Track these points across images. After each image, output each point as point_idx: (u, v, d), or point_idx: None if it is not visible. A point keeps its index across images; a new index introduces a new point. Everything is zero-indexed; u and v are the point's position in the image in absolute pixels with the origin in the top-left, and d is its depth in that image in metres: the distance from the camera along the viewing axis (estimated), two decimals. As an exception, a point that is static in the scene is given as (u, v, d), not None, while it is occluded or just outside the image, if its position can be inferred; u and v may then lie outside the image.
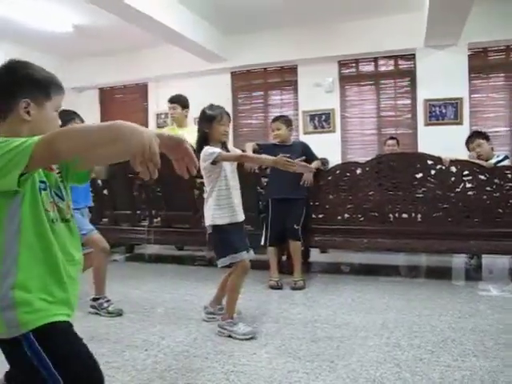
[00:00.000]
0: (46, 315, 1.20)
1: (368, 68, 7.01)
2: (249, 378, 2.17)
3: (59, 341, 1.22)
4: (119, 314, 3.19)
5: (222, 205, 2.76)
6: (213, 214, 2.77)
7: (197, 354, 2.47)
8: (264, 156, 3.02)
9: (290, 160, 2.77)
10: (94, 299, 3.25)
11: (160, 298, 3.60)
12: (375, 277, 4.19)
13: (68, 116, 3.30)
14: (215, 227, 2.77)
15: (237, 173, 2.91)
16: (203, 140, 2.84)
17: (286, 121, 4.07)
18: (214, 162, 2.72)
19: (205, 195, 2.86)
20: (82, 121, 3.39)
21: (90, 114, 6.82)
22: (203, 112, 2.86)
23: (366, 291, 3.66)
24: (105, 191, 4.92)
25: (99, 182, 4.91)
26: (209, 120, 2.81)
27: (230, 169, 2.84)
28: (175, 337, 2.73)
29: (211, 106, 2.86)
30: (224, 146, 2.88)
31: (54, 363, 1.18)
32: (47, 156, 1.12)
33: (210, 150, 2.74)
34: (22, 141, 1.11)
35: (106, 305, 3.21)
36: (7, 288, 1.18)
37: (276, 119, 4.12)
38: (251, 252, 2.87)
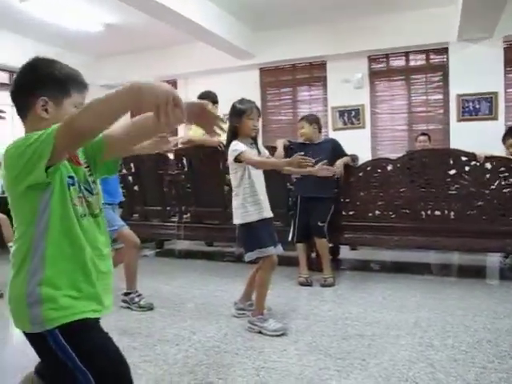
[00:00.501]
0: (71, 313, 1.22)
1: (399, 63, 6.89)
2: (279, 374, 2.17)
3: (84, 336, 1.24)
4: (150, 308, 3.23)
5: (248, 202, 2.77)
6: (241, 213, 2.79)
7: (227, 350, 2.48)
8: (279, 160, 2.97)
9: (305, 158, 2.72)
10: (126, 294, 3.30)
11: (190, 294, 3.63)
12: (406, 275, 4.12)
13: None
14: (243, 224, 2.79)
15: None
16: (232, 134, 2.84)
17: (310, 119, 4.03)
18: (236, 160, 2.73)
19: (233, 192, 2.87)
20: None
21: (121, 111, 6.91)
22: (233, 106, 2.86)
23: (397, 289, 3.61)
24: (135, 187, 4.99)
25: (130, 178, 4.98)
26: (238, 114, 2.81)
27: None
28: (206, 332, 2.75)
29: (241, 101, 2.86)
30: (254, 141, 2.88)
31: (79, 358, 1.20)
32: (71, 139, 1.12)
33: (235, 147, 2.75)
34: (42, 132, 1.12)
35: (137, 299, 3.26)
36: (34, 284, 1.20)
37: (301, 119, 4.14)
38: (279, 247, 2.87)
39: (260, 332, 2.70)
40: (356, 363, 2.27)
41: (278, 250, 2.84)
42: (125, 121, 1.26)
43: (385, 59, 6.93)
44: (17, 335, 2.68)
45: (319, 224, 3.88)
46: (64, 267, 1.23)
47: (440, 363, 2.23)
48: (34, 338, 1.24)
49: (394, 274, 4.25)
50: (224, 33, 6.29)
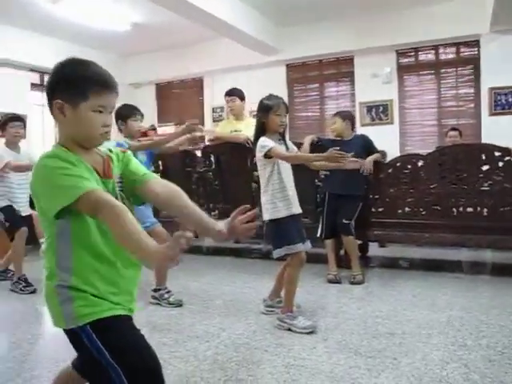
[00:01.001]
0: (101, 309, 1.25)
1: (428, 56, 6.76)
2: (309, 372, 2.16)
3: (115, 333, 1.27)
4: (179, 304, 3.26)
5: (277, 198, 2.76)
6: (270, 208, 2.78)
7: (257, 347, 2.48)
8: (312, 154, 2.93)
9: (341, 153, 2.69)
10: (155, 290, 3.34)
11: (218, 290, 3.65)
12: (436, 272, 4.05)
13: (129, 111, 3.40)
14: (272, 220, 2.78)
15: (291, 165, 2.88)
16: (260, 130, 2.84)
17: (343, 115, 3.99)
18: (266, 155, 2.73)
19: (261, 189, 2.86)
20: (142, 115, 3.47)
21: (147, 110, 6.97)
22: (261, 102, 2.86)
23: (428, 287, 3.55)
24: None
25: (158, 175, 5.02)
26: (266, 110, 2.81)
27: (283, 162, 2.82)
28: (235, 329, 2.76)
29: (269, 97, 2.85)
30: (282, 137, 2.87)
31: (110, 354, 1.23)
32: (87, 211, 1.18)
33: (263, 143, 2.75)
34: (73, 184, 1.16)
35: (166, 296, 3.29)
36: (65, 282, 1.25)
37: (334, 114, 4.09)
38: (307, 244, 2.85)
39: (289, 329, 2.69)
40: (387, 362, 2.24)
41: (306, 246, 2.82)
42: (175, 191, 1.36)
43: (413, 53, 6.81)
44: (51, 330, 2.75)
45: (344, 221, 3.85)
46: (90, 276, 1.26)
47: (474, 364, 2.18)
48: (70, 335, 1.28)
49: (424, 271, 4.18)
50: (250, 29, 6.28)
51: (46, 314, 2.39)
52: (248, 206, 1.23)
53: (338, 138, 3.94)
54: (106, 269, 1.27)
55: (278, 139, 2.84)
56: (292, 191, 2.82)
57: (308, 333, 2.63)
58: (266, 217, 2.80)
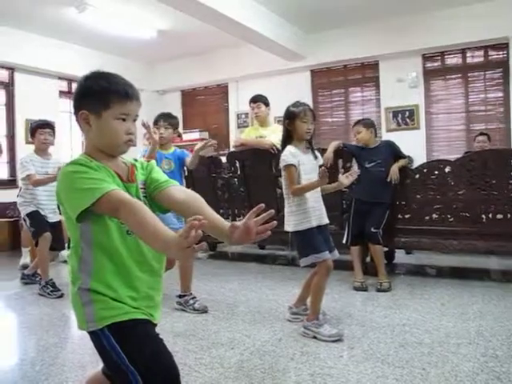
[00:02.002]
0: (120, 313, 1.28)
1: (455, 60, 6.67)
2: (335, 381, 2.13)
3: (133, 337, 1.28)
4: (204, 311, 3.26)
5: (298, 211, 2.75)
6: (290, 221, 2.77)
7: (282, 355, 2.46)
8: (311, 183, 2.80)
9: (325, 170, 2.62)
10: (180, 296, 3.35)
11: (243, 297, 3.64)
12: (465, 280, 3.96)
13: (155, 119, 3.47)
14: (295, 231, 2.77)
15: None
16: (286, 138, 2.84)
17: (367, 124, 3.95)
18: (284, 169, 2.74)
19: (284, 198, 2.85)
20: (169, 123, 3.49)
21: (174, 116, 7.06)
22: (287, 109, 2.84)
23: (456, 295, 3.48)
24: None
25: (183, 181, 5.05)
26: (292, 117, 2.79)
27: (308, 171, 2.78)
28: (260, 336, 2.74)
29: (295, 103, 2.84)
30: (310, 144, 2.85)
31: (128, 358, 1.25)
32: (107, 212, 1.23)
33: (285, 156, 2.75)
34: (93, 187, 1.20)
35: (191, 302, 3.29)
36: (86, 286, 1.29)
37: (356, 123, 4.04)
38: (335, 253, 2.82)
39: (315, 337, 2.66)
40: (415, 372, 2.19)
41: (333, 255, 2.79)
42: (194, 196, 1.37)
43: (440, 57, 6.73)
44: (79, 334, 2.78)
45: (372, 230, 3.80)
46: (109, 279, 1.29)
47: (507, 376, 2.11)
48: (93, 337, 1.31)
49: (452, 279, 4.09)
50: (274, 35, 6.30)
51: (73, 318, 2.42)
52: (263, 205, 1.21)
53: (364, 146, 3.91)
54: (125, 273, 1.30)
55: (305, 147, 2.83)
56: (316, 202, 2.78)
57: (334, 341, 2.60)
58: (289, 228, 2.79)
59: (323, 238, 2.76)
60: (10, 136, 6.79)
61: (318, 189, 2.77)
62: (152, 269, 1.35)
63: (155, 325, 1.38)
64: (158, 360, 1.27)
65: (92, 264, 1.29)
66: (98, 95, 1.30)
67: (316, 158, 2.86)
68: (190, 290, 3.36)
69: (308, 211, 2.73)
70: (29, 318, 3.26)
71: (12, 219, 5.98)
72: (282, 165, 2.77)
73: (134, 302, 1.31)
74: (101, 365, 1.45)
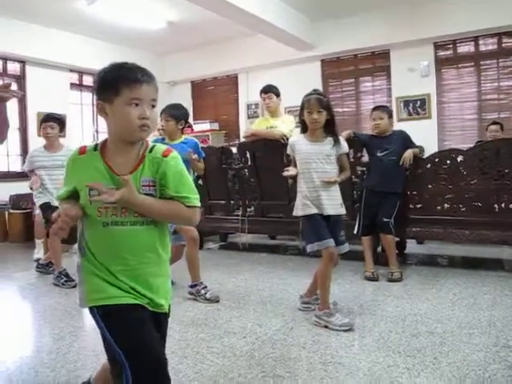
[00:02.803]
0: (106, 296, 1.34)
1: (467, 48, 6.58)
2: (347, 369, 2.14)
3: (117, 323, 1.33)
4: (216, 300, 3.28)
5: (300, 196, 2.82)
6: (296, 205, 2.85)
7: (294, 343, 2.47)
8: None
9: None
10: (192, 286, 3.37)
11: (255, 286, 3.66)
12: (477, 270, 3.95)
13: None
14: (301, 216, 2.83)
15: (330, 163, 2.82)
16: (302, 128, 2.87)
17: (390, 112, 3.91)
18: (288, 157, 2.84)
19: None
20: (172, 115, 3.49)
21: (184, 107, 7.07)
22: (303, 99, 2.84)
23: (468, 285, 3.47)
24: (200, 181, 5.07)
25: (194, 172, 5.07)
26: (301, 107, 2.82)
27: (304, 160, 2.80)
28: (272, 325, 2.76)
29: (308, 93, 2.83)
30: (332, 134, 2.86)
31: (114, 339, 1.30)
32: None
33: (288, 145, 2.90)
34: (62, 187, 1.45)
35: (203, 291, 3.32)
36: (81, 266, 1.40)
37: (377, 108, 3.95)
38: (344, 246, 2.82)
39: (326, 326, 2.67)
40: (427, 361, 2.20)
41: (342, 248, 2.80)
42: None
43: (452, 45, 6.64)
44: (93, 323, 2.81)
45: (384, 220, 3.79)
46: (100, 255, 1.37)
47: (519, 365, 2.12)
48: (90, 314, 1.38)
49: (464, 269, 4.07)
50: (284, 25, 6.26)
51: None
52: None
53: (378, 135, 3.88)
54: (113, 255, 1.36)
55: (323, 136, 2.81)
56: (326, 192, 2.76)
57: (345, 330, 2.61)
58: (293, 212, 2.88)
59: (330, 229, 2.75)
60: (23, 129, 6.85)
61: (317, 181, 2.76)
62: (143, 259, 1.38)
63: (154, 311, 1.40)
64: (143, 348, 1.30)
65: (84, 243, 1.39)
66: (109, 84, 1.34)
67: (341, 148, 2.86)
68: (199, 278, 3.37)
69: (306, 199, 2.78)
70: (43, 307, 3.31)
71: (25, 211, 6.04)
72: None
73: (126, 284, 1.34)
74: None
